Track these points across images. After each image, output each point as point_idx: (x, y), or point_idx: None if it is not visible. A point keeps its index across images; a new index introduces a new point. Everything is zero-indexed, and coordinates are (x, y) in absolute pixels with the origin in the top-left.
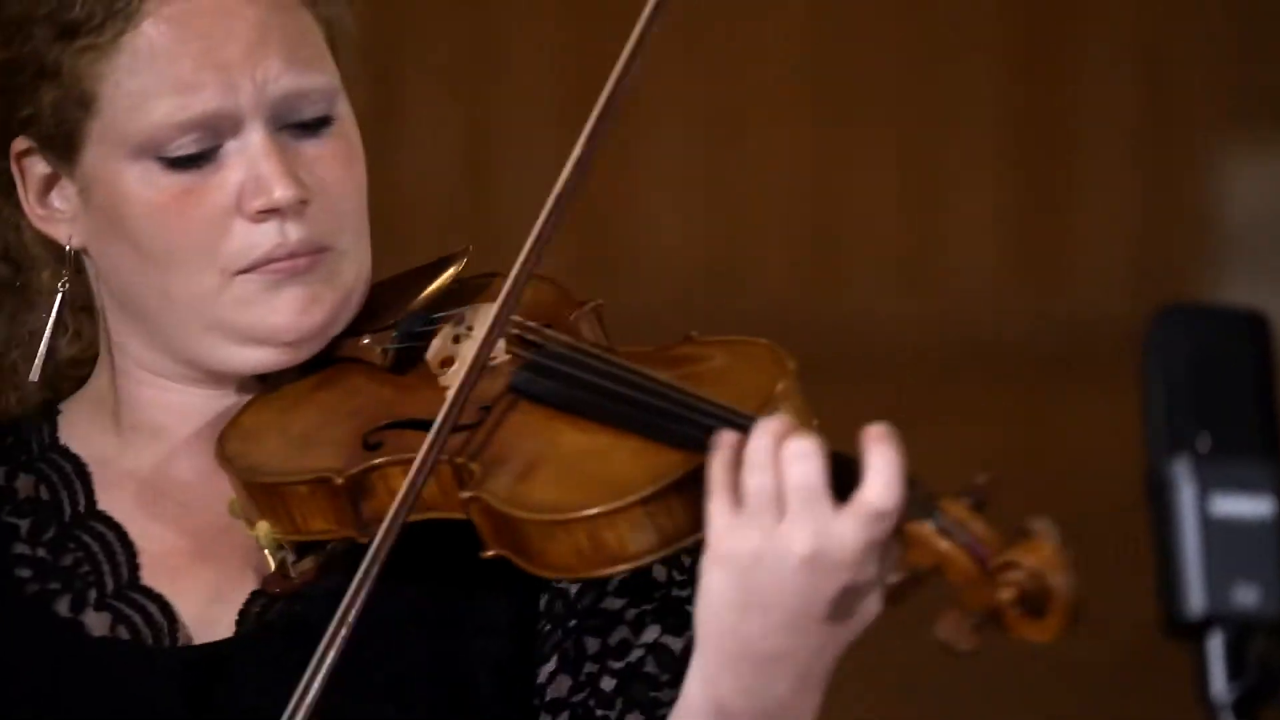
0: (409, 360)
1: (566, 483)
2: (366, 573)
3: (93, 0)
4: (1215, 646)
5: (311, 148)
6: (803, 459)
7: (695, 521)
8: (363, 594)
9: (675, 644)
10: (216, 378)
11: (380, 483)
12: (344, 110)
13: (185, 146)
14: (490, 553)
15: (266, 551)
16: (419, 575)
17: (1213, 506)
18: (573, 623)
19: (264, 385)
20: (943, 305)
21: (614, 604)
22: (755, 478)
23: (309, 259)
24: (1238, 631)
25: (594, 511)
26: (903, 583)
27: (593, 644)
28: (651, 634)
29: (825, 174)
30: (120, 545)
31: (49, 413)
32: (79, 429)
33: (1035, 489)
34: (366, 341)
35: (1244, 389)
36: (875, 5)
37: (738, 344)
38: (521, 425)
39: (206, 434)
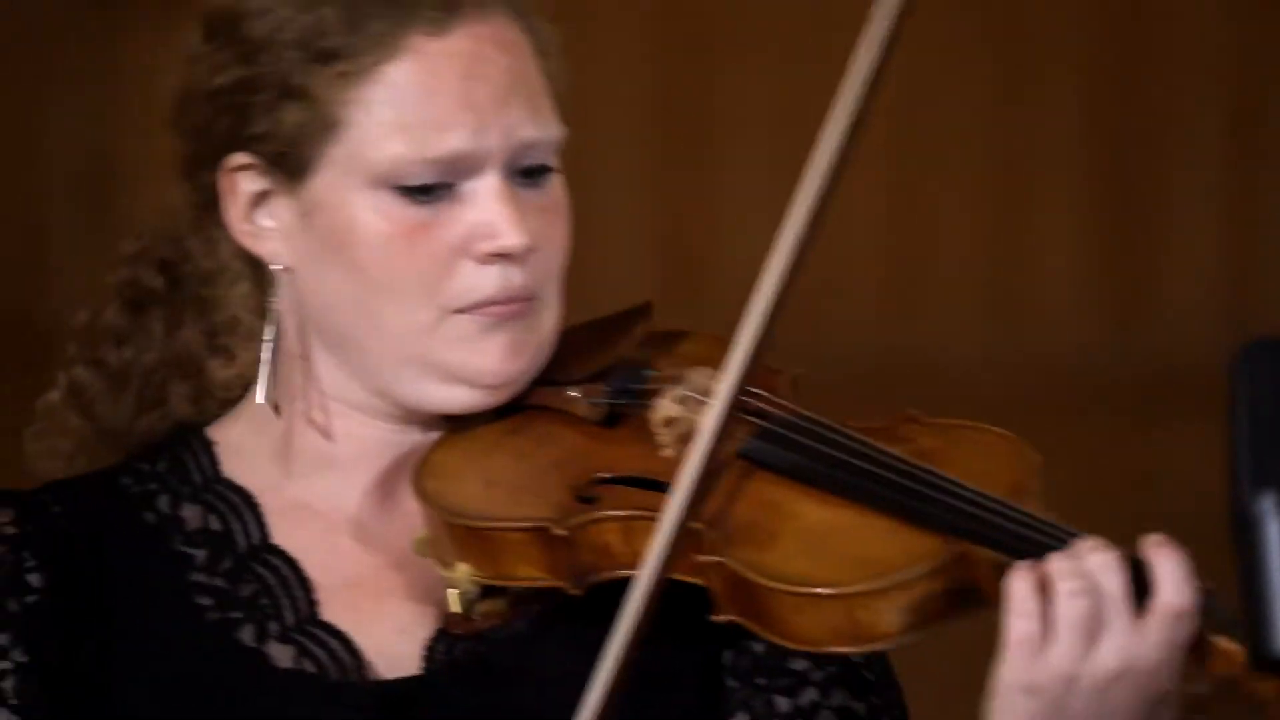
0: (616, 416)
1: (821, 557)
2: (633, 631)
3: (352, 29)
4: None
5: (533, 197)
6: (1111, 573)
7: (949, 606)
8: (623, 652)
9: (860, 708)
10: (405, 413)
11: (598, 536)
12: (557, 163)
13: (425, 180)
14: (722, 617)
15: (452, 592)
16: (607, 629)
17: None
18: (761, 681)
19: (449, 426)
20: (1025, 339)
21: (799, 664)
22: (1072, 603)
23: (521, 306)
24: None
25: (857, 590)
26: (1203, 694)
27: (783, 704)
28: (838, 698)
29: (907, 206)
30: (296, 579)
31: (199, 439)
32: (241, 459)
33: (1119, 525)
34: (574, 394)
35: None
36: (959, 40)
37: (971, 432)
38: (756, 493)
39: (381, 469)
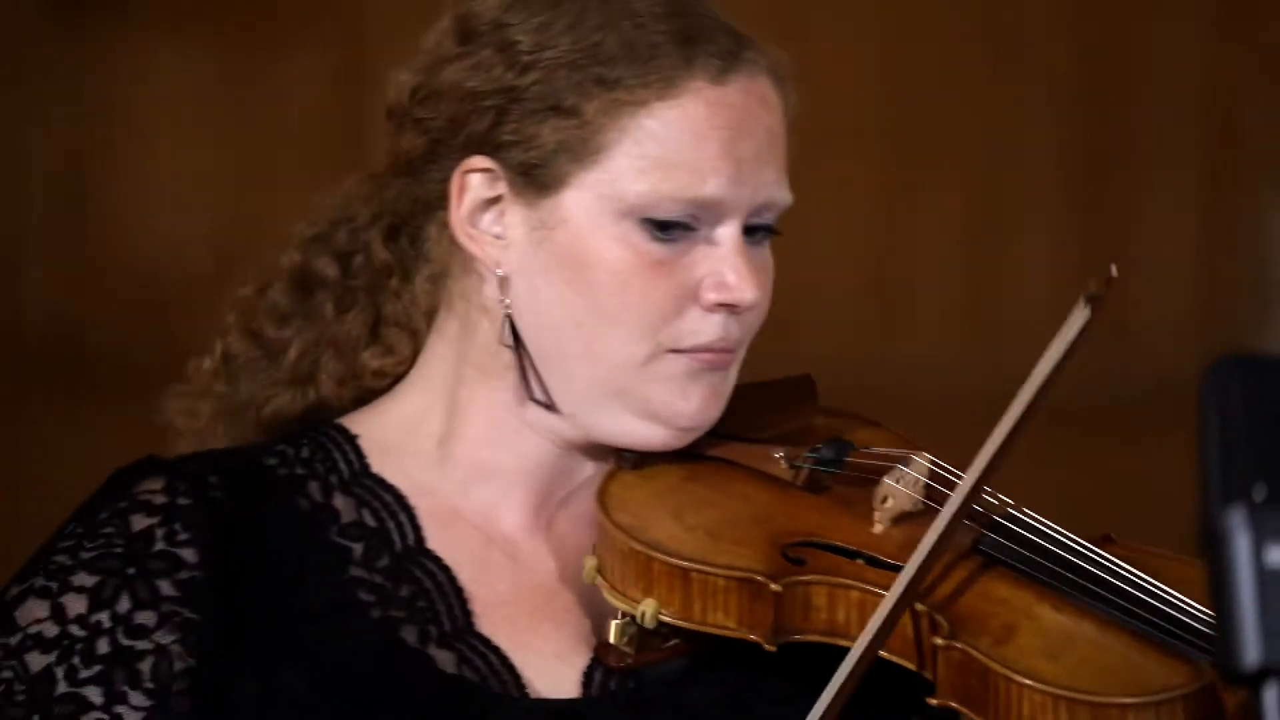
0: (819, 483)
1: (1067, 662)
2: (837, 697)
3: (636, 60)
4: (1272, 697)
5: (755, 256)
6: None
7: None
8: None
9: None
10: (581, 440)
11: (805, 598)
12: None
13: (674, 216)
14: (938, 701)
15: (616, 623)
16: (784, 684)
17: (1269, 556)
18: None
19: (619, 459)
20: (1002, 354)
21: None
22: None
23: (729, 356)
24: None
25: (1111, 701)
26: None
27: None
28: None
29: (886, 221)
30: (451, 588)
31: (340, 431)
32: (389, 458)
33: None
34: (779, 456)
35: None
36: (940, 54)
37: (1175, 563)
38: (984, 586)
39: (538, 489)
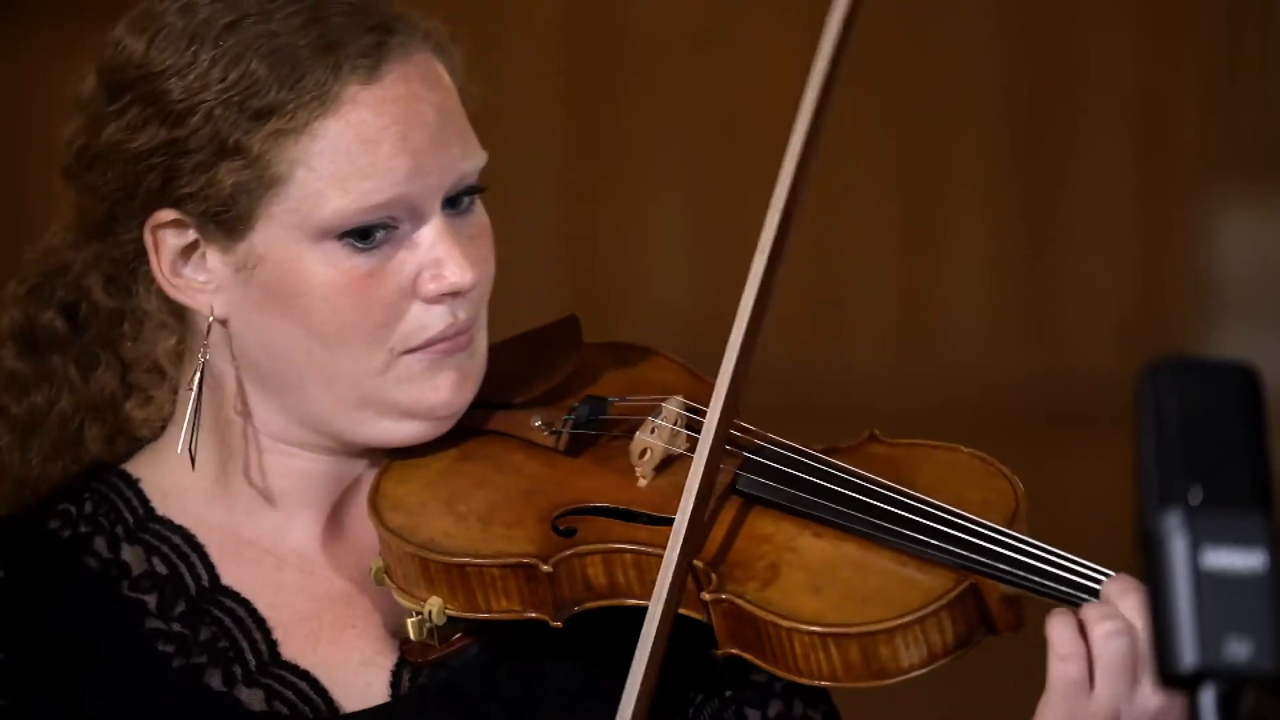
0: (580, 443)
1: (831, 594)
2: (648, 667)
3: (285, 84)
4: (1208, 701)
5: (464, 226)
6: (1142, 609)
7: (961, 639)
8: (644, 693)
9: (816, 716)
10: (347, 447)
11: (581, 570)
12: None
13: (367, 223)
14: (722, 652)
15: (411, 620)
16: (574, 652)
17: (1204, 559)
18: (729, 693)
19: (392, 454)
20: (937, 361)
21: (761, 676)
22: (1110, 643)
23: (466, 337)
24: (1230, 685)
25: (875, 628)
26: None
27: (754, 715)
28: (799, 708)
29: (822, 231)
30: (252, 620)
31: (120, 477)
32: (173, 497)
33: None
34: (537, 424)
35: (1235, 442)
36: (872, 65)
37: (938, 451)
38: (748, 526)
39: (324, 502)
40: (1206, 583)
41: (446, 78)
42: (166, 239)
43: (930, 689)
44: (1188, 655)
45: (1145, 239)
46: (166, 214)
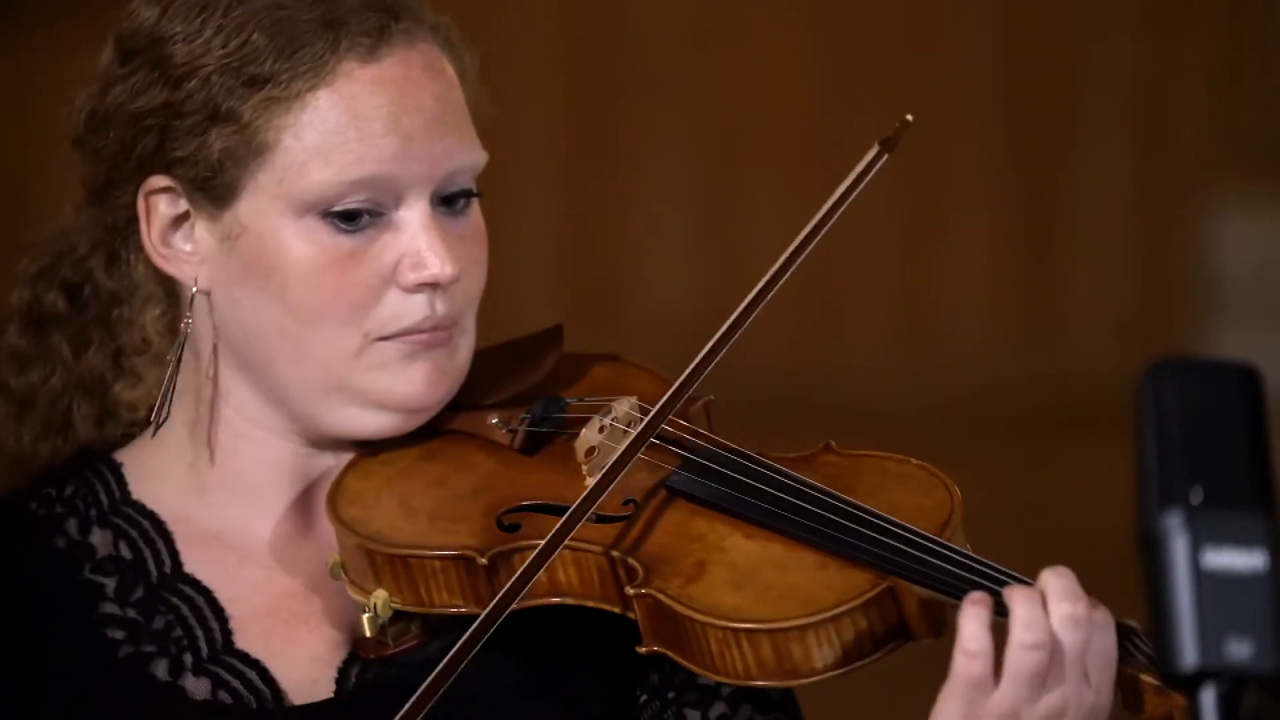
0: (537, 442)
1: (749, 591)
2: (464, 647)
3: (283, 55)
4: (1209, 700)
5: (456, 226)
6: (1075, 630)
7: (876, 642)
8: (455, 670)
9: None
10: (317, 437)
11: (519, 564)
12: (477, 188)
13: (351, 204)
14: (647, 649)
15: (366, 616)
16: (520, 649)
17: (1205, 559)
18: (671, 694)
19: (361, 449)
20: (937, 361)
21: (709, 680)
22: (1029, 655)
23: (444, 333)
24: (1231, 685)
25: (787, 625)
26: None
27: (693, 716)
28: (745, 712)
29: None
30: (210, 609)
31: (106, 462)
32: (150, 483)
33: (1031, 544)
34: (494, 421)
35: (1236, 442)
36: (873, 66)
37: (891, 463)
38: (682, 525)
39: (294, 494)
40: (1207, 583)
41: (451, 72)
42: (159, 206)
43: (928, 691)
44: (1188, 655)
45: (1145, 240)
46: (159, 180)
